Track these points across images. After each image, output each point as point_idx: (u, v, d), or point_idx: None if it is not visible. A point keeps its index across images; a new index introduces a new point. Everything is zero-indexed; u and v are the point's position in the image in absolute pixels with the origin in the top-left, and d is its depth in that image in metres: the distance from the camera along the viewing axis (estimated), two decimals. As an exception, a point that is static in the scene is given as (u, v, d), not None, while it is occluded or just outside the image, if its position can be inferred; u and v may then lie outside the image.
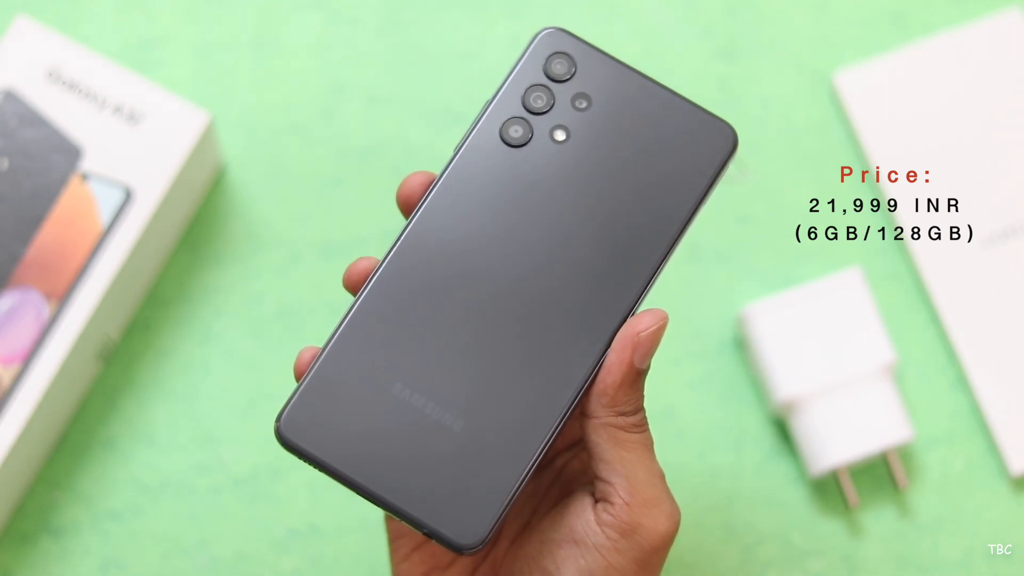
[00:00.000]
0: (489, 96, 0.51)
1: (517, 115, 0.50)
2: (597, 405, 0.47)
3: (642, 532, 0.47)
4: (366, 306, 0.48)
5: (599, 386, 0.47)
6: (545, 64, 0.50)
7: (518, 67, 0.50)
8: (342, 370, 0.48)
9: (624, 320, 0.48)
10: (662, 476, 0.48)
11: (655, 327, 0.47)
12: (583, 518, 0.48)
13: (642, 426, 0.48)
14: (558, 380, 0.48)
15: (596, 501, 0.48)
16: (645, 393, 0.47)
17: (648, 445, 0.48)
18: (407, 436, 0.47)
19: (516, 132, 0.49)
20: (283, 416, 0.47)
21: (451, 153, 0.50)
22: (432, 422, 0.47)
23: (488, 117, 0.49)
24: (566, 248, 0.49)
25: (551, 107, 0.50)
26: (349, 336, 0.48)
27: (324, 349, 0.48)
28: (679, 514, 0.48)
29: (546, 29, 0.50)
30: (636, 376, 0.47)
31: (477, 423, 0.47)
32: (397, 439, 0.47)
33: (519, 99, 0.50)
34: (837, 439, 0.63)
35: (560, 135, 0.50)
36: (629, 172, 0.50)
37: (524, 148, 0.49)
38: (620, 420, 0.47)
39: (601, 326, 0.48)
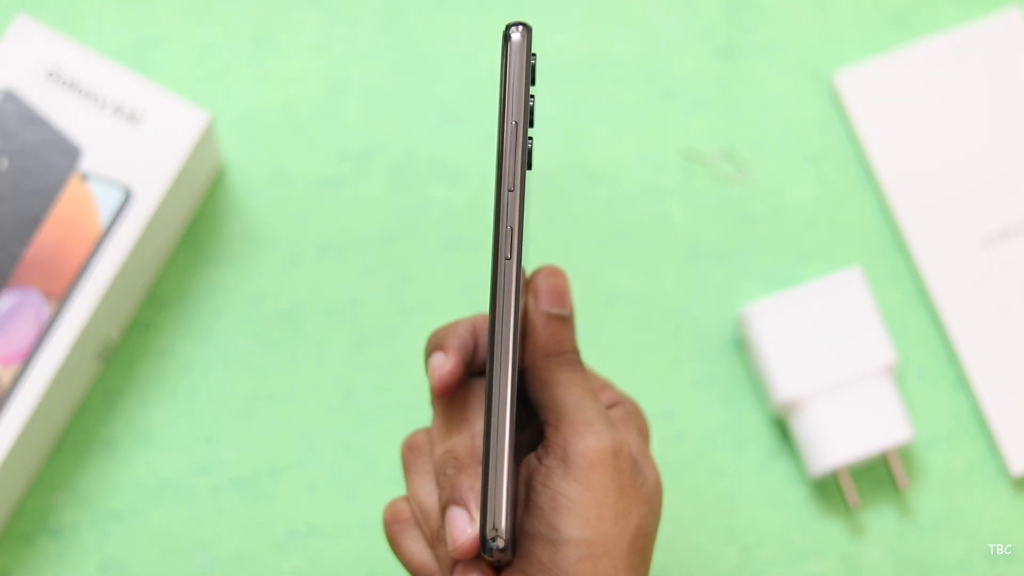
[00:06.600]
0: (501, 109, 0.45)
1: (529, 135, 0.45)
2: (525, 358, 0.49)
3: (572, 449, 0.47)
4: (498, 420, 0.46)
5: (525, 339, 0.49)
6: (530, 69, 0.45)
7: (519, 80, 0.44)
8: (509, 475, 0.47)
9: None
10: (597, 409, 0.48)
11: (543, 271, 0.50)
12: (527, 469, 0.48)
13: (571, 365, 0.49)
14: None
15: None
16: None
17: (580, 383, 0.48)
18: None
19: (529, 154, 0.45)
20: (507, 542, 0.46)
21: (496, 181, 0.45)
22: None
23: (523, 147, 0.45)
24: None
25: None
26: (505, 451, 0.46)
27: (495, 469, 0.46)
28: (612, 438, 0.47)
29: (519, 26, 0.44)
30: (548, 320, 0.49)
31: None
32: None
33: (530, 116, 0.45)
34: (837, 439, 0.63)
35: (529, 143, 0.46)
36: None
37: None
38: (545, 361, 0.49)
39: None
